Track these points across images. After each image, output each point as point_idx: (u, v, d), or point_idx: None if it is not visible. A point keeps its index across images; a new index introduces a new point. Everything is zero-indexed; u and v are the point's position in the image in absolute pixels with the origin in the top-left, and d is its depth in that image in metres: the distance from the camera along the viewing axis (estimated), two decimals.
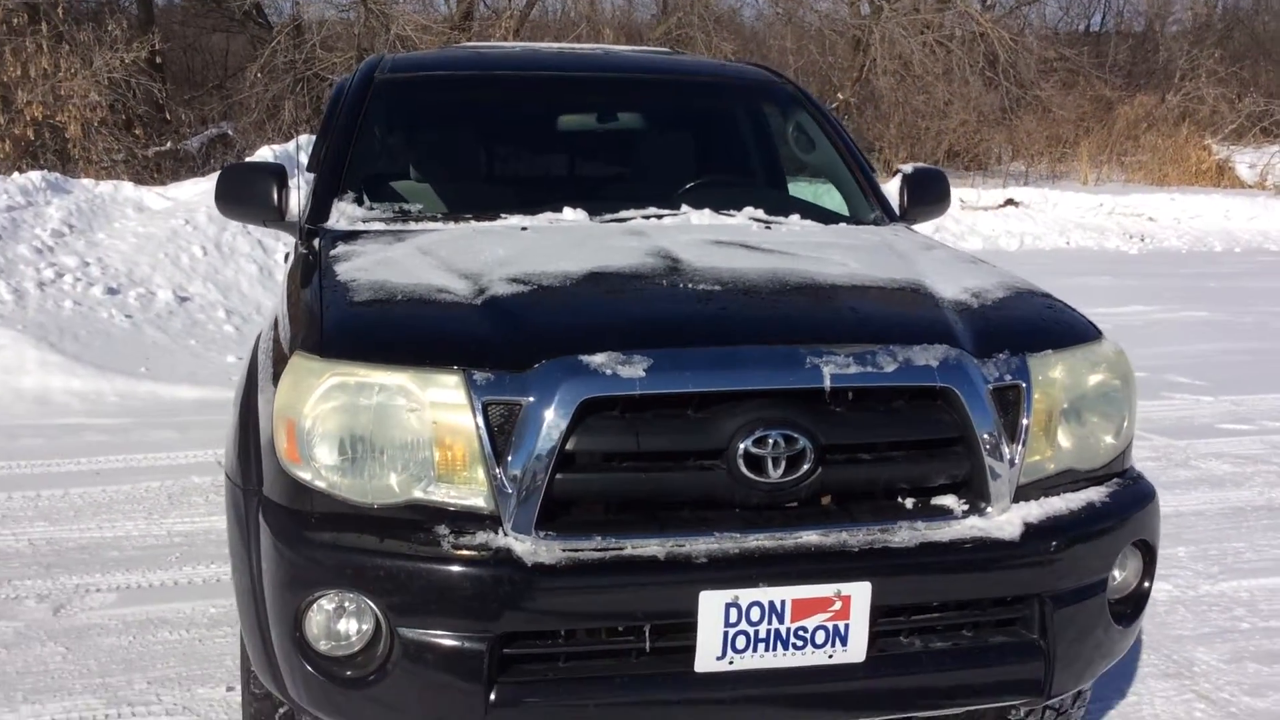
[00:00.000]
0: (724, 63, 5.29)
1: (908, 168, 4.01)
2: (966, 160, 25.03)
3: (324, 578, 2.29)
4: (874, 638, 2.41)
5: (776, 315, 2.59)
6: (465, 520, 2.31)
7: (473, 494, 2.30)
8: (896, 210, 3.93)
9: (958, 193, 17.96)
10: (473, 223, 3.40)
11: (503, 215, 3.46)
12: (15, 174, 9.73)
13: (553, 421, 2.26)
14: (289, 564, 2.32)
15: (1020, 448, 2.50)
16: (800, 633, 2.34)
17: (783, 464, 2.34)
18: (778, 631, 2.33)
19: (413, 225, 3.38)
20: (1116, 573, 2.65)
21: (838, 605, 2.35)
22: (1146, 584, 2.72)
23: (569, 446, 2.28)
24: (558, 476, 2.28)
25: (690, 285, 2.68)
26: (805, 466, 2.36)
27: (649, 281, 2.72)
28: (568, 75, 4.15)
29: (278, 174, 3.56)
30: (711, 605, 2.28)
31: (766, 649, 2.33)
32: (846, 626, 2.36)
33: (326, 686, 2.32)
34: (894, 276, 2.85)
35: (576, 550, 2.29)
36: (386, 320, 2.55)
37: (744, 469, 2.33)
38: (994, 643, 2.50)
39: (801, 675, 2.36)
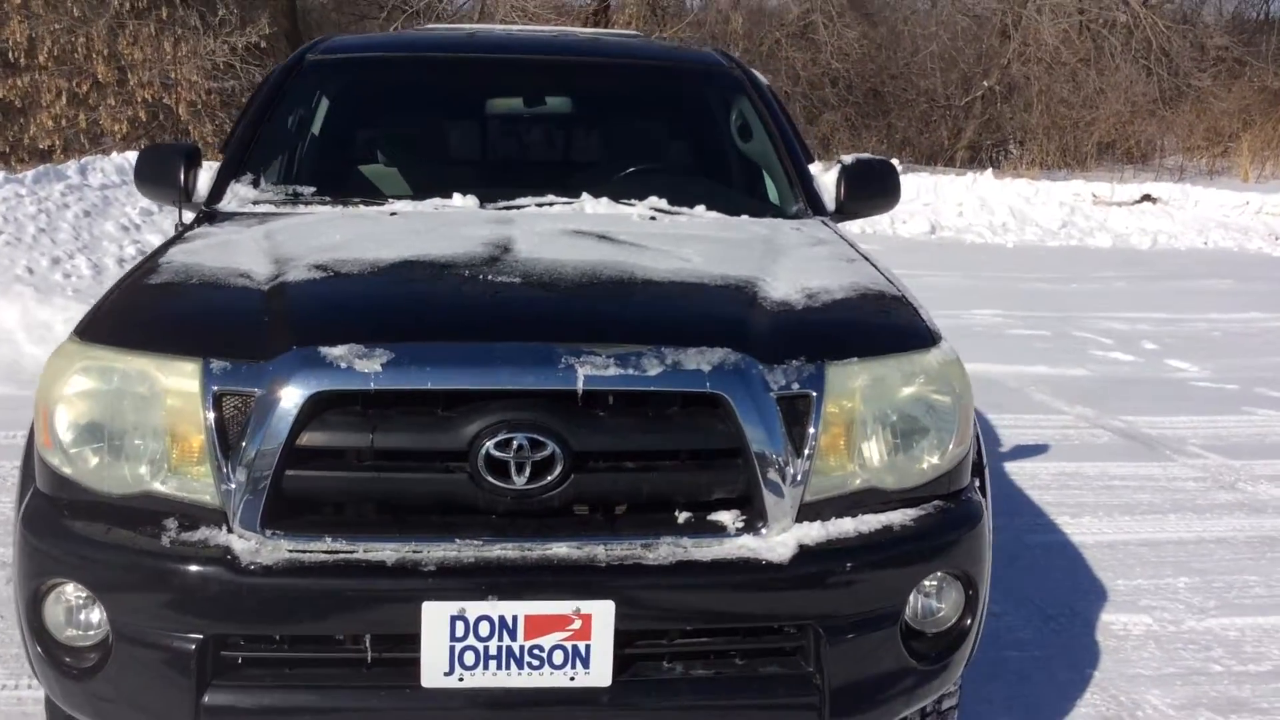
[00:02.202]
0: (672, 47, 5.05)
1: (848, 158, 3.77)
2: (1119, 153, 23.93)
3: (54, 567, 2.27)
4: (626, 661, 2.25)
5: (549, 311, 2.45)
6: (196, 514, 2.25)
7: (202, 488, 2.24)
8: (832, 203, 3.70)
9: (1091, 187, 17.17)
10: (351, 207, 3.33)
11: (391, 200, 3.39)
12: (114, 154, 10.14)
13: (281, 415, 2.18)
14: (28, 551, 2.30)
15: (806, 462, 2.30)
16: (536, 651, 2.20)
17: (528, 469, 2.20)
18: (510, 649, 2.19)
19: (289, 209, 3.33)
20: (923, 605, 2.42)
21: (577, 624, 2.19)
22: (968, 621, 2.47)
23: (301, 442, 2.19)
24: (288, 473, 2.20)
25: (491, 278, 2.55)
26: (555, 473, 2.21)
27: (451, 272, 2.61)
28: (491, 58, 4.04)
29: (188, 154, 3.56)
30: (435, 617, 2.17)
31: (499, 667, 2.20)
32: (588, 647, 2.20)
33: (58, 675, 2.29)
34: (728, 274, 2.66)
35: (303, 551, 2.20)
36: (152, 305, 2.51)
37: (486, 473, 2.20)
38: (763, 673, 2.31)
39: (540, 697, 2.22)
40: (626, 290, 2.55)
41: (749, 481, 2.28)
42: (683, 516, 2.30)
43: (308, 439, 2.20)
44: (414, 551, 2.21)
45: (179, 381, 2.24)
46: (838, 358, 2.36)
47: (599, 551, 2.23)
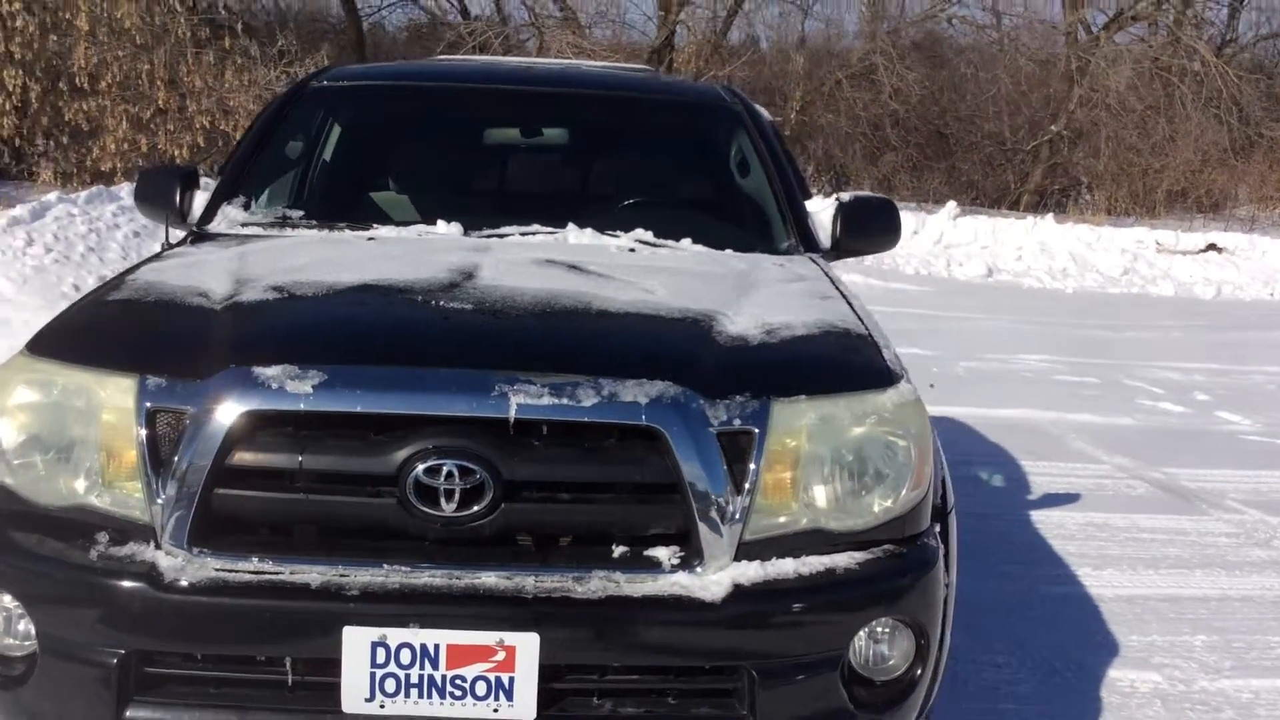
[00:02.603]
0: (677, 81, 4.99)
1: (846, 196, 3.70)
2: (1190, 201, 23.51)
3: None
4: (554, 695, 2.20)
5: (488, 338, 2.42)
6: (127, 530, 2.24)
7: (134, 504, 2.23)
8: (828, 240, 3.63)
9: (1155, 234, 16.85)
10: (334, 232, 3.34)
11: (374, 225, 3.39)
12: None
13: (211, 433, 2.17)
14: None
15: (745, 500, 2.24)
16: (458, 681, 2.15)
17: (457, 496, 2.17)
18: (431, 678, 2.15)
19: (274, 231, 3.36)
20: (871, 651, 2.33)
21: (500, 655, 2.15)
22: (918, 670, 2.38)
23: (231, 461, 2.18)
24: (217, 491, 2.18)
25: (442, 303, 2.53)
26: (485, 502, 2.18)
27: (403, 297, 2.59)
28: (490, 89, 4.04)
29: (184, 176, 3.60)
30: (356, 643, 2.13)
31: (421, 695, 2.16)
32: (512, 680, 2.16)
33: None
34: (688, 307, 2.61)
35: (230, 570, 2.18)
36: (102, 322, 2.52)
37: (415, 499, 2.17)
38: (695, 714, 2.24)
39: None
40: (576, 320, 2.51)
41: (686, 517, 2.22)
42: (618, 550, 2.24)
43: (237, 457, 2.18)
44: (340, 575, 2.18)
45: (115, 397, 2.24)
46: (784, 394, 2.30)
47: (528, 583, 2.19)
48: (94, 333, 2.47)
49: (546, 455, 2.22)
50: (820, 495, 2.32)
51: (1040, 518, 5.83)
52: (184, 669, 2.22)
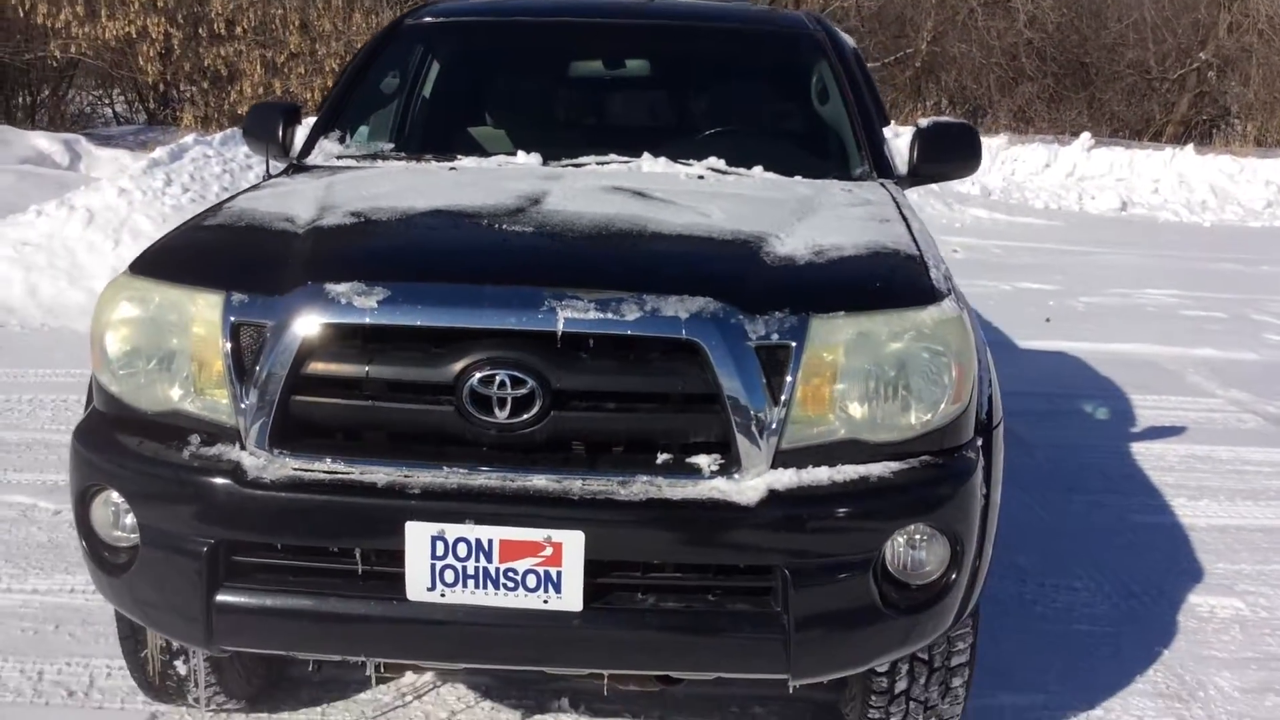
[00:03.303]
0: (762, 10, 4.96)
1: (924, 122, 3.73)
2: None
3: (94, 474, 2.52)
4: (601, 589, 2.36)
5: (541, 257, 2.56)
6: (216, 433, 2.46)
7: (221, 409, 2.45)
8: (905, 168, 3.68)
9: None
10: (419, 163, 3.52)
11: (458, 156, 3.56)
12: None
13: (287, 344, 2.37)
14: (77, 461, 2.56)
15: (782, 411, 2.35)
16: (510, 574, 2.33)
17: (508, 405, 2.33)
18: (486, 570, 2.33)
19: (365, 163, 3.56)
20: (908, 557, 2.44)
21: (548, 551, 2.31)
22: (952, 576, 2.47)
23: (305, 370, 2.38)
24: (294, 398, 2.39)
25: (504, 226, 2.68)
26: (534, 410, 2.34)
27: (469, 220, 2.75)
28: (578, 22, 4.15)
29: (287, 112, 3.82)
30: (418, 536, 2.32)
31: (476, 586, 2.34)
32: (559, 573, 2.32)
33: (97, 569, 2.56)
34: (741, 229, 2.72)
35: (306, 470, 2.39)
36: (197, 244, 2.73)
37: (470, 407, 2.34)
38: (730, 610, 2.38)
39: (515, 616, 2.35)
40: (628, 241, 2.64)
41: (724, 427, 2.34)
42: (661, 457, 2.38)
43: (311, 367, 2.38)
44: (404, 476, 2.36)
45: (204, 311, 2.46)
46: (823, 311, 2.40)
47: (575, 485, 2.34)
48: (187, 254, 2.69)
49: (593, 367, 2.36)
50: (857, 408, 2.41)
51: (1141, 450, 5.77)
52: (267, 558, 2.44)
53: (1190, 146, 16.95)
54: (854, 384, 2.41)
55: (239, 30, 12.92)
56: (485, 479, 2.36)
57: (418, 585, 2.35)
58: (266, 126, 3.81)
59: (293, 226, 2.74)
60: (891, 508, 2.39)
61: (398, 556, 2.35)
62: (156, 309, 2.52)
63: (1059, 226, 14.26)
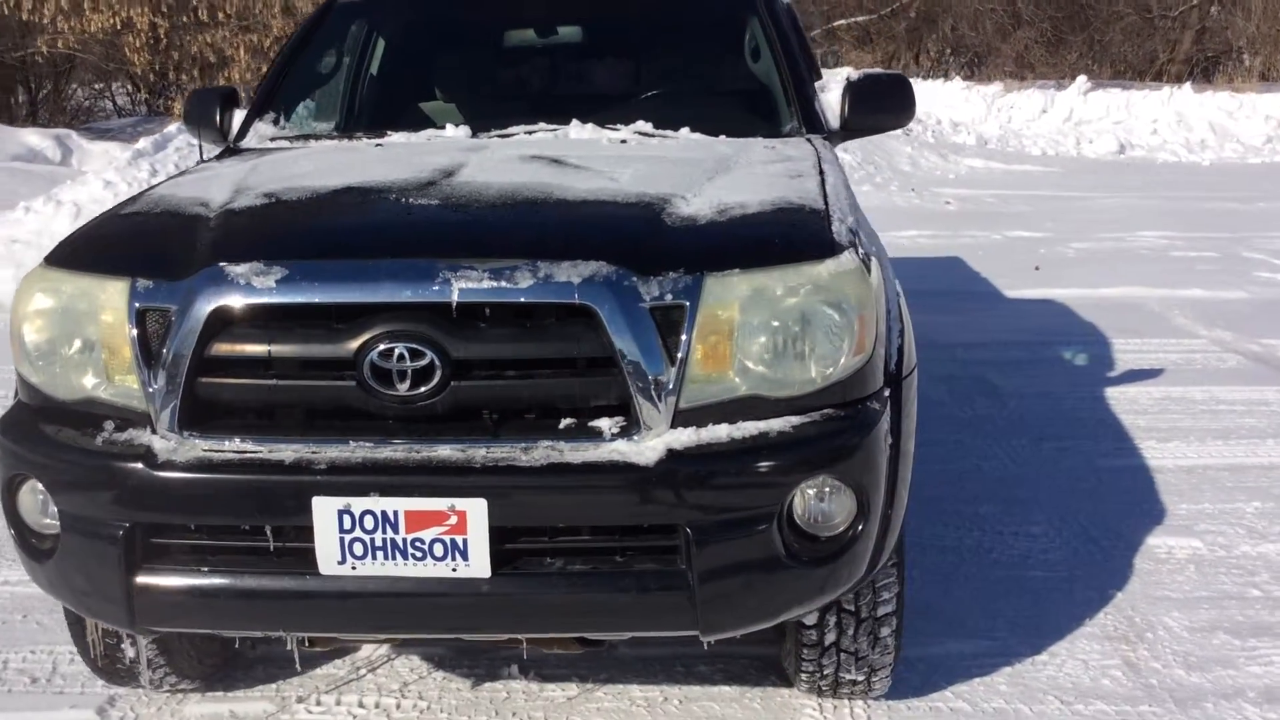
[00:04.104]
0: None
1: (855, 74, 3.72)
2: None
3: (16, 464, 2.57)
4: (508, 555, 2.40)
5: (437, 229, 2.58)
6: (129, 418, 2.50)
7: (132, 394, 2.48)
8: (836, 121, 3.67)
9: None
10: (347, 141, 3.55)
11: (388, 133, 3.58)
12: None
13: (191, 327, 2.40)
14: (0, 451, 2.61)
15: (679, 371, 2.37)
16: (418, 544, 2.36)
17: (408, 377, 2.36)
18: (393, 541, 2.36)
19: (297, 144, 3.58)
20: (815, 509, 2.46)
21: (453, 520, 2.35)
22: (858, 528, 2.49)
23: (209, 352, 2.41)
24: (200, 380, 2.42)
25: (411, 200, 2.70)
26: (434, 381, 2.36)
27: (376, 196, 2.78)
28: None
29: (225, 96, 3.86)
30: (324, 511, 2.36)
31: (385, 557, 2.37)
32: (465, 541, 2.35)
33: (25, 556, 2.61)
34: (647, 192, 2.73)
35: (215, 451, 2.42)
36: (109, 233, 2.76)
37: (372, 381, 2.37)
38: (637, 569, 2.41)
39: (425, 586, 2.39)
40: (529, 209, 2.66)
41: (623, 389, 2.36)
42: (565, 422, 2.40)
43: (215, 349, 2.41)
44: (312, 452, 2.40)
45: (112, 299, 2.49)
46: (717, 269, 2.41)
47: (478, 453, 2.37)
48: (99, 244, 2.72)
49: (491, 335, 2.38)
50: (756, 364, 2.42)
51: (1115, 393, 5.77)
52: (185, 539, 2.48)
53: (1188, 85, 16.81)
54: (752, 341, 2.42)
55: (221, 16, 12.96)
56: (391, 452, 2.39)
57: (328, 559, 2.39)
58: (204, 112, 3.84)
59: (205, 211, 2.77)
60: (791, 462, 2.41)
61: (308, 532, 2.39)
62: (68, 299, 2.55)
63: (1055, 173, 14.20)
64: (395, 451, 2.39)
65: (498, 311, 2.38)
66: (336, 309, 2.40)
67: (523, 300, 2.36)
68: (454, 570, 2.38)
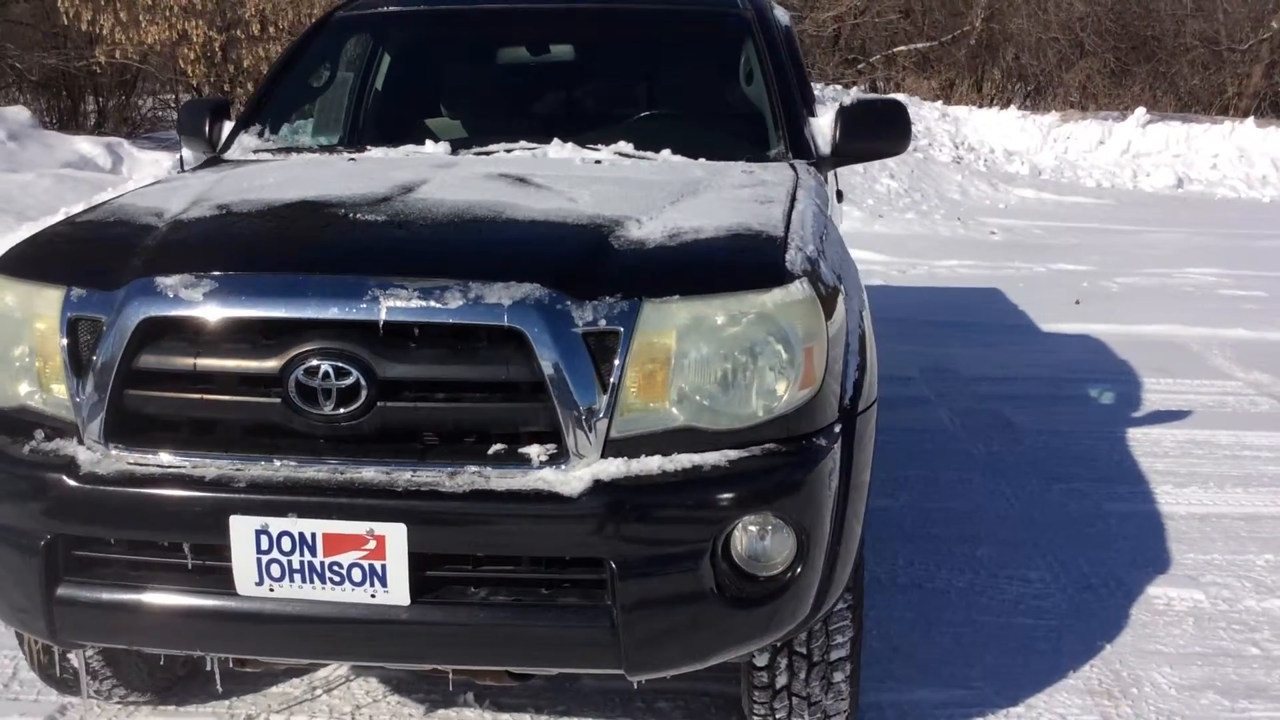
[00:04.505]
0: None
1: (848, 99, 3.62)
2: None
3: None
4: (429, 582, 2.32)
5: (372, 245, 2.52)
6: (60, 427, 2.46)
7: (63, 404, 2.45)
8: (827, 147, 3.57)
9: None
10: (324, 154, 3.51)
11: (368, 148, 3.54)
12: None
13: (119, 338, 2.36)
14: None
15: (610, 399, 2.29)
16: (335, 568, 2.30)
17: (334, 396, 2.30)
18: (311, 564, 2.30)
19: (279, 156, 3.56)
20: (753, 548, 2.35)
21: (371, 545, 2.28)
22: (797, 570, 2.38)
23: (137, 364, 2.37)
24: (128, 392, 2.38)
25: (357, 216, 2.65)
26: (360, 401, 2.30)
27: (325, 211, 2.72)
28: (500, 8, 4.11)
29: (214, 108, 3.85)
30: (242, 530, 2.30)
31: (303, 580, 2.31)
32: (384, 567, 2.28)
33: None
34: (602, 213, 2.65)
35: (139, 464, 2.38)
36: (57, 240, 2.73)
37: (297, 399, 2.31)
38: (561, 603, 2.32)
39: (343, 611, 2.32)
40: (473, 228, 2.59)
41: (553, 416, 2.29)
42: (494, 448, 2.33)
43: (142, 361, 2.36)
44: (236, 469, 2.34)
45: (46, 307, 2.46)
46: (656, 295, 2.32)
47: (402, 477, 2.30)
48: (42, 250, 2.69)
49: (419, 356, 2.31)
50: (693, 395, 2.33)
51: (1138, 435, 5.58)
52: (107, 553, 2.44)
53: (1251, 120, 16.40)
54: (689, 370, 2.33)
55: (273, 30, 13.12)
56: (314, 472, 2.33)
57: (246, 580, 2.33)
58: (194, 123, 3.84)
59: (155, 221, 2.73)
60: (724, 498, 2.31)
61: (226, 551, 2.33)
62: (6, 305, 2.52)
63: (1108, 205, 13.91)
64: (318, 472, 2.33)
65: (427, 332, 2.32)
66: (263, 324, 2.34)
67: (451, 321, 2.29)
68: (372, 596, 2.31)
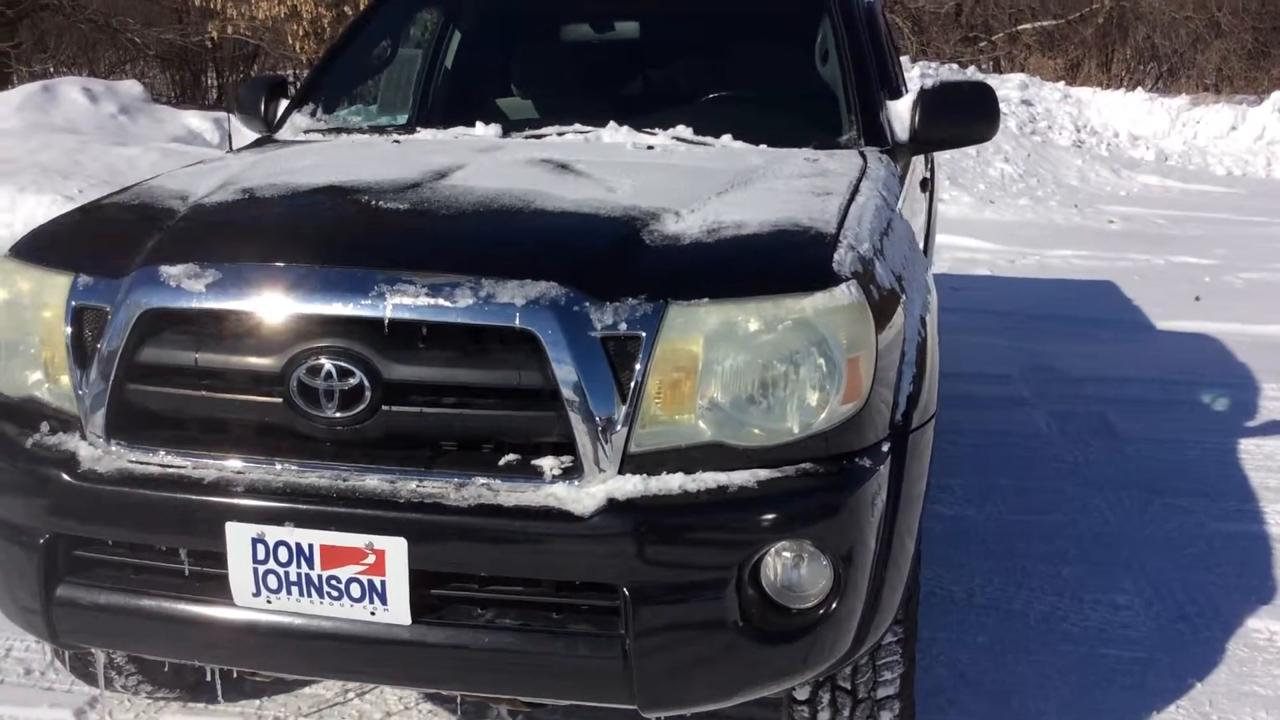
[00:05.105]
0: None
1: (929, 83, 3.34)
2: None
3: None
4: (433, 601, 2.17)
5: (387, 237, 2.36)
6: (65, 420, 2.36)
7: (66, 396, 2.34)
8: (905, 134, 3.31)
9: None
10: (371, 136, 3.38)
11: (418, 129, 3.40)
12: None
13: (120, 330, 2.24)
14: None
15: (630, 410, 2.09)
16: (334, 582, 2.15)
17: (336, 398, 2.15)
18: (309, 577, 2.16)
19: (329, 136, 3.44)
20: (786, 578, 2.15)
21: (371, 559, 2.12)
22: (833, 605, 2.16)
23: (139, 358, 2.25)
24: (130, 387, 2.26)
25: (380, 204, 2.49)
26: (364, 404, 2.15)
27: (350, 197, 2.56)
28: None
29: (270, 86, 3.75)
30: (238, 538, 2.17)
31: (301, 593, 2.17)
32: (384, 583, 2.13)
33: None
34: (640, 205, 2.44)
35: (140, 463, 2.26)
36: (77, 224, 2.62)
37: (298, 400, 2.17)
38: (570, 631, 2.14)
39: (341, 628, 2.18)
40: (495, 219, 2.40)
41: (567, 427, 2.10)
42: (506, 458, 2.15)
43: (144, 354, 2.24)
44: (237, 472, 2.21)
45: (53, 294, 2.35)
46: (684, 297, 2.11)
47: (406, 487, 2.14)
48: (59, 235, 2.59)
49: (426, 358, 2.15)
50: (722, 408, 2.12)
51: (1251, 446, 5.18)
52: (109, 554, 2.33)
53: None
54: (718, 380, 2.13)
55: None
56: (316, 478, 2.18)
57: (243, 590, 2.20)
58: (252, 101, 3.75)
59: (178, 205, 2.61)
60: (751, 522, 2.10)
61: (225, 559, 2.21)
62: (17, 292, 2.43)
63: (1238, 195, 13.20)
64: (320, 479, 2.18)
65: (435, 332, 2.15)
66: (266, 319, 2.20)
67: (459, 321, 2.12)
68: (372, 614, 2.16)
